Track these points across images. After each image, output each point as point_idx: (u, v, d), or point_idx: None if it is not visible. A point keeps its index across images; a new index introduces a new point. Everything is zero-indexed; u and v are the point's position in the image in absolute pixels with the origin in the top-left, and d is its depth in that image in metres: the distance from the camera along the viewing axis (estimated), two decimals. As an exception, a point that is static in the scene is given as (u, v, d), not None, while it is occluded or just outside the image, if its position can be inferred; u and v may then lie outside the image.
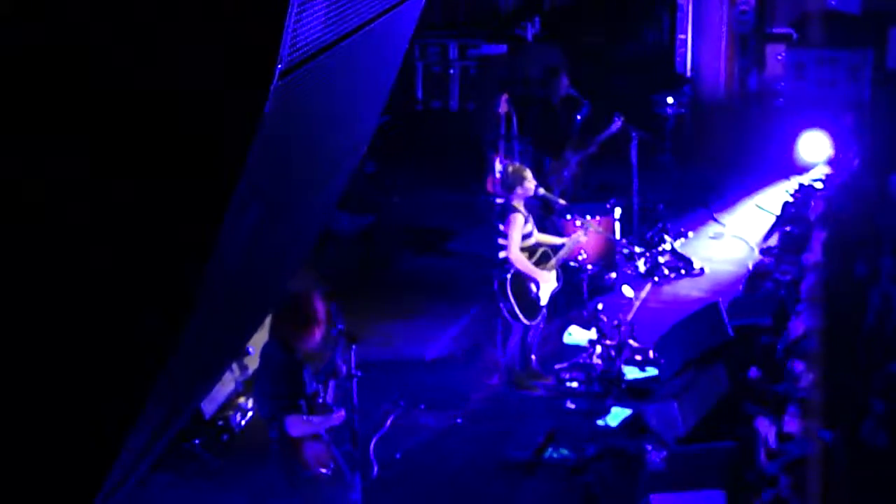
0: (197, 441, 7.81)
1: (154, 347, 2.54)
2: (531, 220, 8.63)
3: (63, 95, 2.27)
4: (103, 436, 2.74)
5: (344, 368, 6.18)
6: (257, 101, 2.30)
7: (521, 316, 8.41)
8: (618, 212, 10.68)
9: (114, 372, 2.56)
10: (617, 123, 10.98)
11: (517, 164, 8.96)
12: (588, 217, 10.31)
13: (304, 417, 5.91)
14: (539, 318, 8.62)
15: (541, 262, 8.55)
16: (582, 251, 9.92)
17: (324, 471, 6.09)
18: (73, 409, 2.70)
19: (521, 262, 8.39)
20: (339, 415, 6.09)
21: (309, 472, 6.04)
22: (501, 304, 8.47)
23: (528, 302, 8.47)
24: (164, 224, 2.40)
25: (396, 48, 3.65)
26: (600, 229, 10.02)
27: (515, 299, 8.38)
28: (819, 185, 12.25)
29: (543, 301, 8.57)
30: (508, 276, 8.39)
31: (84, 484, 2.81)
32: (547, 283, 8.54)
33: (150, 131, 2.32)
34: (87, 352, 2.60)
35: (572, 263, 10.22)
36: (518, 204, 8.47)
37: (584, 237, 8.86)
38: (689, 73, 15.22)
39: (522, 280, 8.43)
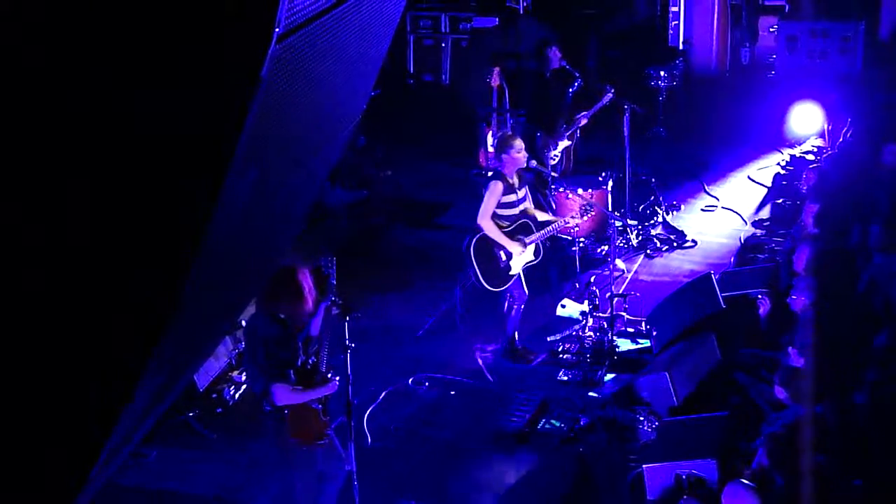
0: (191, 414, 7.84)
1: (151, 314, 2.54)
2: (527, 191, 8.61)
3: (62, 54, 2.27)
4: (101, 405, 2.74)
5: (326, 339, 6.19)
6: (255, 64, 2.30)
7: (482, 282, 8.41)
8: (610, 184, 10.68)
9: (111, 339, 2.56)
10: (608, 96, 10.97)
11: (508, 133, 8.94)
12: (580, 190, 10.32)
13: (291, 387, 5.92)
14: (507, 289, 8.58)
15: (518, 233, 8.51)
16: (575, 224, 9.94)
17: (319, 442, 6.10)
18: (70, 377, 2.70)
19: (490, 228, 8.37)
20: (333, 384, 6.10)
21: (302, 445, 6.05)
22: (468, 269, 8.47)
23: (494, 270, 8.44)
24: (162, 188, 2.40)
25: (391, 14, 3.64)
26: (586, 200, 10.02)
27: (478, 264, 8.37)
28: (811, 157, 12.28)
29: (513, 271, 8.53)
30: (474, 239, 8.38)
31: (82, 453, 2.81)
32: (520, 256, 8.50)
33: (146, 94, 2.31)
34: (84, 318, 2.60)
35: (565, 236, 10.25)
36: (508, 171, 8.43)
37: (573, 221, 8.83)
38: (681, 46, 15.19)
39: (489, 246, 8.41)
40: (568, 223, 8.80)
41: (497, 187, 8.36)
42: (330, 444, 6.25)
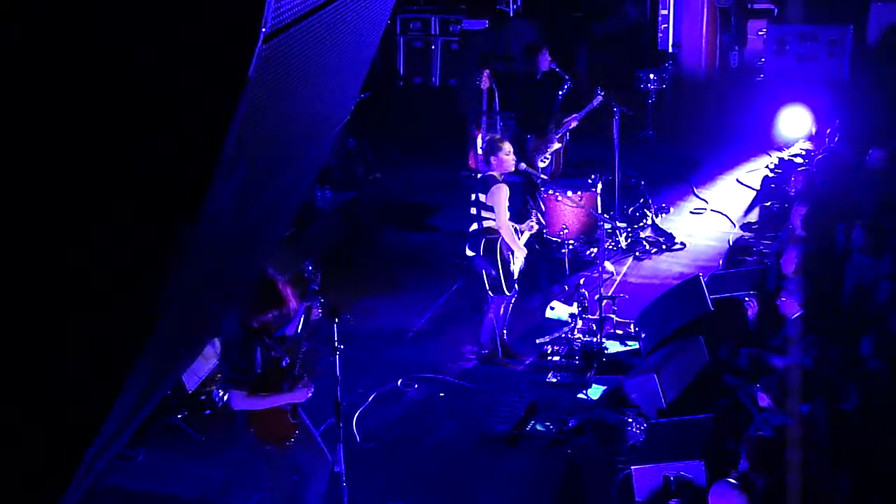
0: (180, 415, 7.83)
1: (137, 314, 2.54)
2: None
3: (48, 53, 2.27)
4: (87, 404, 2.73)
5: (304, 343, 6.13)
6: (242, 64, 2.30)
7: (504, 286, 8.40)
8: (599, 187, 10.70)
9: (98, 337, 2.56)
10: (598, 98, 10.98)
11: (496, 136, 8.94)
12: (569, 192, 10.34)
13: (246, 394, 5.87)
14: (514, 292, 8.61)
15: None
16: (563, 226, 9.96)
17: (287, 443, 6.07)
18: (55, 377, 2.69)
19: (510, 232, 8.36)
20: (303, 393, 6.02)
21: (269, 445, 6.04)
22: (485, 272, 8.44)
23: (509, 274, 8.46)
24: (148, 188, 2.40)
25: (379, 15, 3.65)
26: (576, 202, 10.04)
27: (502, 268, 8.36)
28: (799, 160, 12.33)
29: (515, 276, 8.56)
30: (500, 242, 8.35)
31: (67, 453, 2.81)
32: (520, 259, 8.53)
33: (133, 94, 2.31)
34: (68, 318, 2.60)
35: (554, 239, 10.27)
36: (498, 175, 8.42)
37: (536, 225, 8.82)
38: (670, 49, 15.23)
39: (505, 251, 8.42)
40: (533, 228, 8.78)
41: (505, 190, 8.34)
42: (303, 442, 6.19)
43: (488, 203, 8.33)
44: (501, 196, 8.30)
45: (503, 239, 8.34)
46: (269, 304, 5.88)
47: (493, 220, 8.33)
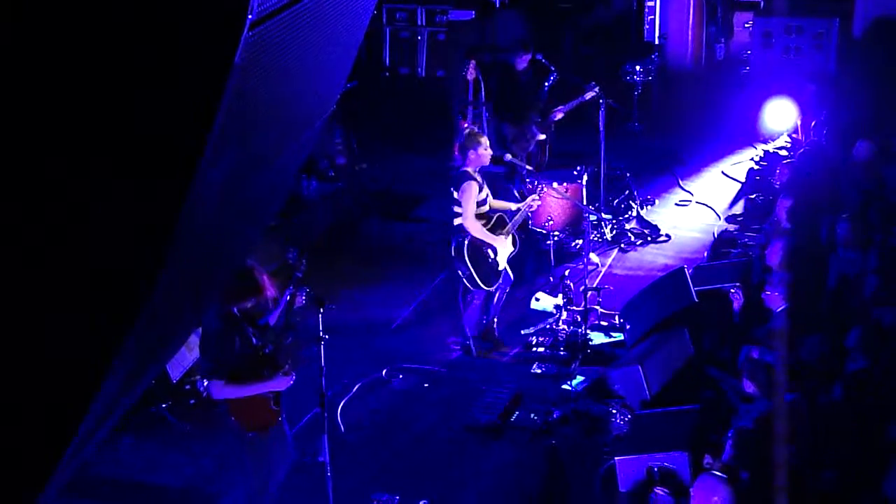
0: (164, 405, 7.81)
1: (123, 297, 2.53)
2: (485, 187, 8.61)
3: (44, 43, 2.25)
4: (71, 393, 2.73)
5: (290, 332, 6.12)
6: (228, 51, 2.29)
7: (479, 282, 8.42)
8: (585, 179, 10.70)
9: (84, 320, 2.55)
10: (590, 93, 10.95)
11: (474, 129, 8.93)
12: (555, 184, 10.34)
13: (225, 383, 5.87)
14: (498, 284, 8.62)
15: (497, 228, 8.54)
16: (548, 217, 9.96)
17: (270, 429, 6.07)
18: (40, 366, 2.68)
19: (477, 229, 8.38)
20: (284, 380, 6.01)
21: (251, 432, 6.03)
22: (459, 271, 8.47)
23: (486, 269, 8.47)
24: (134, 177, 2.39)
25: (365, 4, 3.64)
26: (561, 194, 10.05)
27: (472, 266, 8.38)
28: (784, 153, 12.36)
29: (501, 266, 8.57)
30: (466, 242, 8.37)
31: (51, 443, 2.80)
32: (504, 249, 8.53)
33: (119, 84, 2.30)
34: (52, 307, 2.59)
35: (539, 230, 10.27)
36: (472, 170, 8.42)
37: (537, 202, 8.85)
38: (657, 41, 15.24)
39: (479, 247, 8.43)
40: (531, 207, 8.82)
41: (473, 188, 8.34)
42: (279, 433, 6.19)
43: (460, 199, 8.35)
44: (469, 193, 8.32)
45: (471, 237, 8.35)
46: (247, 292, 5.89)
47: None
